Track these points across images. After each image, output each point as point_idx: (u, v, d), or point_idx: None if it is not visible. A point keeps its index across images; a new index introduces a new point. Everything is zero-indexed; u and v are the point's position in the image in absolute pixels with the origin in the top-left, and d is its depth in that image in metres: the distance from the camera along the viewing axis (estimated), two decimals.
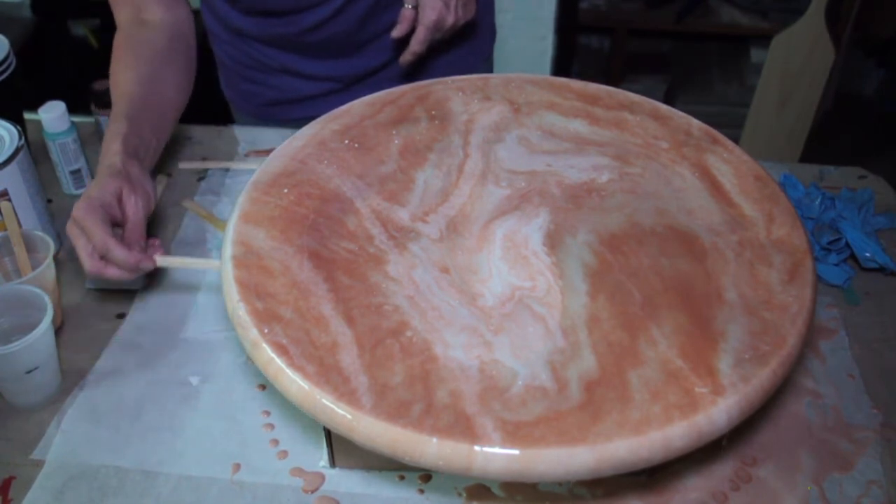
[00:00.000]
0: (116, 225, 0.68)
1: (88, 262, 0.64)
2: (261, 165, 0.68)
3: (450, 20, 0.85)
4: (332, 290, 0.57)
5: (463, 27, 0.88)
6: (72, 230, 0.65)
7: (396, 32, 0.87)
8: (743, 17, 1.95)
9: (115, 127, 0.72)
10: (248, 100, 1.04)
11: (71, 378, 0.68)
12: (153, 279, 0.78)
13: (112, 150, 0.70)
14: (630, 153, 0.71)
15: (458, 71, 0.83)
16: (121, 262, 0.64)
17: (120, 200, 0.67)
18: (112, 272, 0.65)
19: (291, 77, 0.98)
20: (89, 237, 0.64)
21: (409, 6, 0.85)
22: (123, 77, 0.79)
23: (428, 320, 0.56)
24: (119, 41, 0.85)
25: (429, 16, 0.83)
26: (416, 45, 0.86)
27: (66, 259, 0.80)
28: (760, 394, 0.51)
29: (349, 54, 0.96)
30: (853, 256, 0.79)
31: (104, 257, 0.64)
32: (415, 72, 0.97)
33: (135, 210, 0.68)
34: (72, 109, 0.84)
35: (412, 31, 0.87)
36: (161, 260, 0.67)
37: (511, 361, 0.53)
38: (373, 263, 0.60)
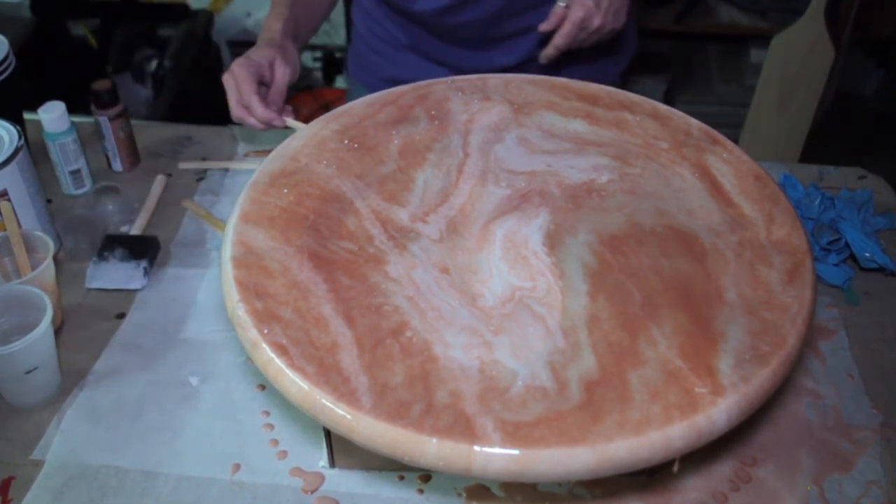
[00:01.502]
0: (264, 84, 0.82)
1: (235, 109, 0.79)
2: (261, 165, 0.68)
3: (596, 21, 0.85)
4: (332, 291, 0.57)
5: (610, 34, 0.88)
6: (227, 80, 0.80)
7: (545, 26, 0.87)
8: (742, 17, 1.95)
9: (278, 11, 0.88)
10: (369, 71, 1.08)
11: (71, 378, 0.68)
12: (153, 279, 0.78)
13: (274, 28, 0.86)
14: (630, 153, 0.71)
15: (592, 79, 0.84)
16: (258, 115, 0.79)
17: (272, 66, 0.82)
18: (251, 121, 0.80)
19: (417, 57, 1.01)
20: (239, 89, 0.79)
21: (563, 4, 0.86)
22: None
23: (428, 320, 0.56)
24: None
25: (576, 12, 0.84)
26: (559, 38, 0.86)
27: (66, 259, 0.80)
28: (760, 394, 0.51)
29: (480, 48, 0.98)
30: (853, 256, 0.79)
31: (247, 107, 0.79)
32: (550, 70, 0.98)
33: (281, 75, 0.82)
34: (72, 109, 0.84)
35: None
36: (289, 122, 0.81)
37: (511, 362, 0.53)
38: (373, 264, 0.60)
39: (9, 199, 0.73)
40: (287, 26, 0.87)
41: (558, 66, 0.97)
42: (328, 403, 0.50)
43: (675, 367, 0.52)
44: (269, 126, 0.80)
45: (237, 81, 0.79)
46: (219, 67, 1.99)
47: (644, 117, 0.75)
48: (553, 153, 0.72)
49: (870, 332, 0.73)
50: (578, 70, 1.00)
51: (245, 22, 2.15)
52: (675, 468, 0.55)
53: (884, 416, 0.65)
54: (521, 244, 0.62)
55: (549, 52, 0.88)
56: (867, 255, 0.77)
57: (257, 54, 0.82)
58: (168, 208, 0.87)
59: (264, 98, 0.80)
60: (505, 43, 0.98)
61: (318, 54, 2.16)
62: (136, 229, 0.83)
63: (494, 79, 0.79)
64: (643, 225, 0.64)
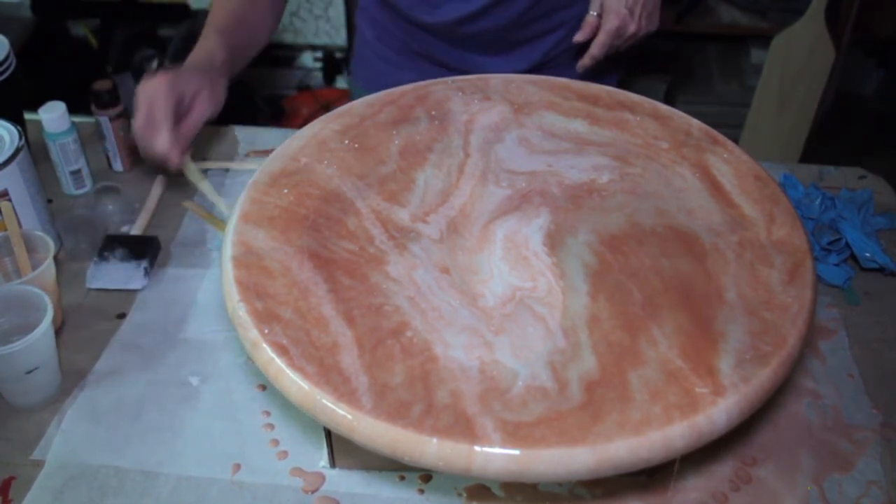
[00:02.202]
0: (179, 115, 0.75)
1: (141, 125, 0.73)
2: (261, 165, 0.68)
3: (631, 28, 0.85)
4: (333, 291, 0.57)
5: (644, 39, 0.88)
6: (144, 91, 0.73)
7: (579, 37, 0.87)
8: (743, 17, 1.95)
9: (213, 36, 0.81)
10: (376, 79, 1.04)
11: (71, 378, 0.68)
12: (153, 279, 0.78)
13: (206, 53, 0.79)
14: (630, 153, 0.71)
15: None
16: (160, 144, 0.73)
17: (195, 97, 0.75)
18: (147, 144, 0.73)
19: (429, 64, 0.99)
20: (153, 106, 0.72)
21: (594, 13, 0.85)
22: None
23: (428, 321, 0.56)
24: None
25: (612, 21, 0.84)
26: (595, 48, 0.86)
27: (66, 259, 0.80)
28: (760, 394, 0.51)
29: (493, 54, 0.97)
30: (853, 256, 0.79)
31: (154, 129, 0.72)
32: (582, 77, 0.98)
33: (201, 111, 0.76)
34: (72, 109, 0.84)
35: (591, 39, 0.87)
36: (187, 163, 0.76)
37: (511, 362, 0.53)
38: (373, 264, 0.60)
39: (9, 199, 0.73)
40: (220, 54, 0.81)
41: (595, 71, 0.98)
42: (328, 403, 0.50)
43: (676, 367, 0.52)
44: (162, 159, 0.75)
45: (155, 98, 0.73)
46: None
47: (644, 117, 0.75)
48: (553, 153, 0.72)
49: (870, 332, 0.73)
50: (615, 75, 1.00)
51: None
52: (675, 467, 0.55)
53: (884, 416, 0.65)
54: (521, 244, 0.62)
55: (585, 62, 0.88)
56: (867, 255, 0.77)
57: (186, 78, 0.75)
58: (168, 208, 0.87)
59: (174, 129, 0.74)
60: (518, 49, 0.97)
61: (319, 54, 2.16)
62: (136, 229, 0.83)
63: (495, 79, 0.79)
64: (643, 225, 0.64)
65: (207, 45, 0.80)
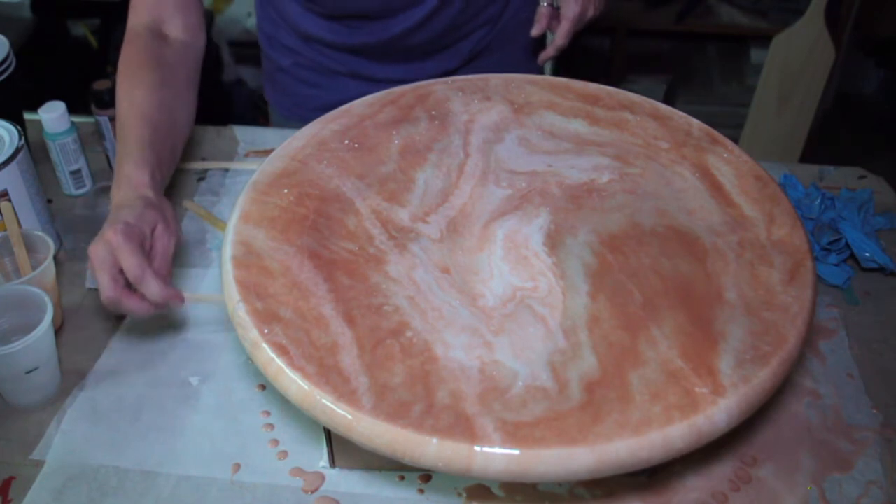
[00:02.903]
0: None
1: (110, 289, 0.60)
2: (261, 165, 0.68)
3: (590, 13, 0.85)
4: (333, 291, 0.57)
5: (594, 22, 0.88)
6: (96, 252, 0.60)
7: (536, 31, 0.87)
8: (743, 17, 1.95)
9: (140, 154, 0.68)
10: (299, 103, 1.01)
11: (71, 378, 0.68)
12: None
13: (142, 180, 0.67)
14: (630, 153, 0.71)
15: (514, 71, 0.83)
16: (153, 293, 0.61)
17: (153, 235, 0.64)
18: (132, 304, 0.61)
19: (358, 81, 0.97)
20: (123, 263, 0.60)
21: (545, 4, 0.85)
22: (145, 98, 0.73)
23: (428, 321, 0.56)
24: (135, 50, 0.78)
25: (572, 9, 0.84)
26: (560, 39, 0.86)
27: (65, 259, 0.80)
28: (761, 394, 0.51)
29: (424, 58, 0.96)
30: (853, 256, 0.79)
31: (133, 286, 0.61)
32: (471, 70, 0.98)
33: (165, 248, 0.65)
34: (72, 109, 0.84)
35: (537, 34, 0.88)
36: (189, 297, 0.65)
37: (511, 362, 0.53)
38: (373, 264, 0.60)
39: (9, 199, 0.73)
40: (155, 176, 0.68)
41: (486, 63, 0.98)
42: (328, 403, 0.50)
43: (676, 367, 0.52)
44: (162, 307, 0.63)
45: (117, 254, 0.60)
46: (219, 67, 1.99)
47: (644, 117, 0.75)
48: (553, 153, 0.72)
49: (870, 332, 0.73)
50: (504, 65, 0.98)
51: (245, 22, 2.15)
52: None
53: (884, 416, 0.65)
54: (521, 244, 0.62)
55: (548, 53, 0.88)
56: (867, 254, 0.77)
57: (137, 219, 0.63)
58: None
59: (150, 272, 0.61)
60: (446, 51, 0.96)
61: None
62: None
63: (495, 79, 0.79)
64: (644, 225, 0.64)
65: (139, 172, 0.67)
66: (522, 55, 1.01)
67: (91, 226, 0.82)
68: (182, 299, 0.63)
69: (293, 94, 1.02)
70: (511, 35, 0.99)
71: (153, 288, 0.60)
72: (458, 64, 0.97)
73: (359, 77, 0.97)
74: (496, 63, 0.98)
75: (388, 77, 0.95)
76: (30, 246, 0.71)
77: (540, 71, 1.02)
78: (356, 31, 0.90)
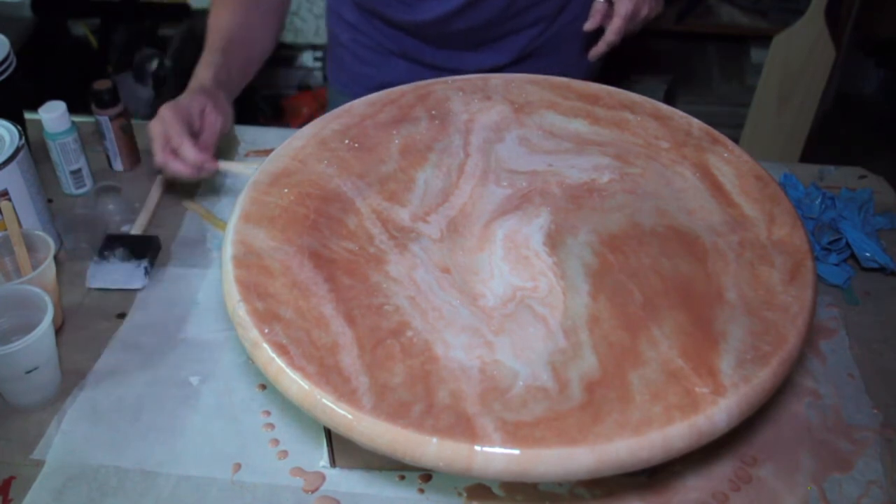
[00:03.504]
0: (194, 135, 0.78)
1: (160, 154, 0.75)
2: (261, 165, 0.68)
3: (644, 11, 0.85)
4: (333, 291, 0.57)
5: (653, 20, 0.88)
6: (154, 126, 0.76)
7: (589, 26, 0.87)
8: (743, 17, 1.95)
9: (210, 58, 0.84)
10: (355, 80, 1.05)
11: (71, 378, 0.68)
12: (154, 279, 0.78)
13: (204, 76, 0.82)
14: (631, 153, 0.71)
15: (567, 71, 0.85)
16: (189, 157, 0.75)
17: (202, 114, 0.78)
18: (177, 166, 0.76)
19: (409, 63, 1.00)
20: (167, 132, 0.75)
21: (602, 0, 0.85)
22: (225, 17, 0.88)
23: (429, 321, 0.56)
24: None
25: (625, 6, 0.84)
26: (611, 35, 0.86)
27: (66, 259, 0.80)
28: (761, 394, 0.51)
29: (474, 49, 0.98)
30: (853, 256, 0.79)
31: (175, 152, 0.75)
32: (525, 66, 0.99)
33: (212, 124, 0.79)
34: (72, 109, 0.84)
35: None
36: (223, 164, 0.78)
37: (512, 362, 0.53)
38: (373, 263, 0.60)
39: (9, 199, 0.73)
40: (219, 74, 0.83)
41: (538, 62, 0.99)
42: (329, 403, 0.50)
43: (677, 367, 0.52)
44: (198, 172, 0.77)
45: (165, 126, 0.75)
46: None
47: (645, 117, 0.75)
48: (554, 153, 0.72)
49: (870, 332, 0.73)
50: (562, 63, 1.01)
51: None
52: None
53: (884, 416, 0.65)
54: (521, 244, 0.62)
55: (599, 48, 0.88)
56: (868, 254, 0.77)
57: (187, 100, 0.78)
58: (168, 208, 0.87)
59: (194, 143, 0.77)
60: (499, 43, 0.98)
61: (319, 54, 2.16)
62: (136, 229, 0.83)
63: (495, 78, 0.79)
64: (644, 225, 0.64)
65: (204, 70, 0.83)
66: (579, 58, 1.02)
67: (91, 225, 0.82)
68: (215, 165, 0.78)
69: (349, 71, 1.06)
70: (568, 37, 1.00)
71: (188, 153, 0.75)
72: (507, 60, 0.99)
73: (410, 59, 1.00)
74: (550, 63, 0.99)
75: (436, 63, 0.99)
76: (30, 246, 0.71)
77: (590, 67, 1.04)
78: (407, 8, 0.93)
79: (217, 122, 0.79)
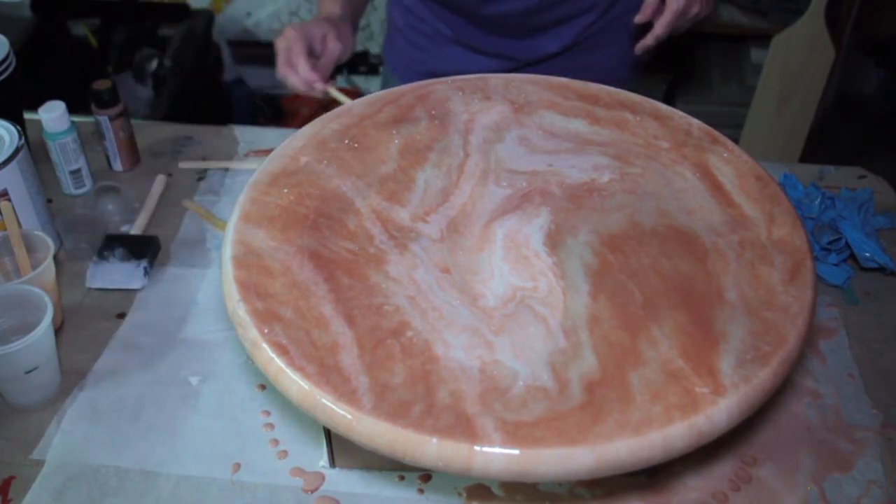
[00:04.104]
0: (314, 56, 0.87)
1: (281, 66, 0.85)
2: (261, 165, 0.68)
3: (695, 9, 0.86)
4: (333, 291, 0.57)
5: (703, 20, 0.89)
6: (279, 42, 0.86)
7: (639, 18, 0.88)
8: (743, 17, 1.95)
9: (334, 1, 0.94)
10: (409, 66, 1.09)
11: (71, 378, 0.68)
12: (153, 279, 0.78)
13: (332, 8, 0.93)
14: (631, 153, 0.71)
15: (607, 75, 0.88)
16: (302, 73, 0.85)
17: (324, 39, 0.87)
18: (293, 80, 0.86)
19: (462, 49, 1.03)
20: (289, 49, 0.84)
21: None
22: None
23: (429, 321, 0.56)
24: None
25: (678, 1, 0.84)
26: (660, 28, 0.87)
27: (66, 259, 0.80)
28: (761, 394, 0.51)
29: (525, 36, 1.00)
30: (853, 256, 0.79)
31: (294, 68, 0.85)
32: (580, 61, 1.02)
33: (331, 51, 0.87)
34: (72, 109, 0.84)
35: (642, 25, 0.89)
36: (332, 91, 0.87)
37: (512, 362, 0.53)
38: (373, 263, 0.60)
39: (9, 199, 0.73)
40: (345, 10, 0.93)
41: (575, 59, 1.01)
42: (328, 403, 0.50)
43: (677, 367, 0.52)
44: (310, 88, 0.85)
45: (288, 42, 0.84)
46: (219, 67, 1.99)
47: (644, 117, 0.75)
48: (554, 153, 0.72)
49: (870, 332, 0.73)
50: (600, 63, 1.03)
51: (245, 22, 2.15)
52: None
53: (884, 416, 0.65)
54: (521, 244, 0.62)
55: (647, 41, 0.89)
56: (867, 254, 0.77)
57: (311, 25, 0.87)
58: (168, 208, 0.87)
59: (312, 64, 0.85)
60: (549, 31, 0.99)
61: None
62: (136, 229, 0.83)
63: (495, 78, 0.79)
64: (644, 225, 0.64)
65: (324, 7, 0.94)
66: (628, 52, 1.03)
67: (91, 226, 0.82)
68: (324, 86, 0.86)
69: (404, 56, 1.10)
70: (619, 29, 1.02)
71: (303, 70, 0.85)
72: (559, 48, 1.01)
73: (463, 45, 1.03)
74: (600, 54, 1.02)
75: (489, 49, 1.02)
76: (30, 246, 0.71)
77: (637, 62, 1.07)
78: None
79: (336, 50, 0.87)
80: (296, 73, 0.84)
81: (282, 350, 0.52)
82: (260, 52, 2.17)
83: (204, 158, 0.94)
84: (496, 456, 0.47)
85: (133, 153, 0.92)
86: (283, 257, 0.59)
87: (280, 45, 0.86)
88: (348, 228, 0.63)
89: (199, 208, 0.86)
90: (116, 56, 1.84)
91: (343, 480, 0.61)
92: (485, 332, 0.55)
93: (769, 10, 1.94)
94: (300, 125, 0.76)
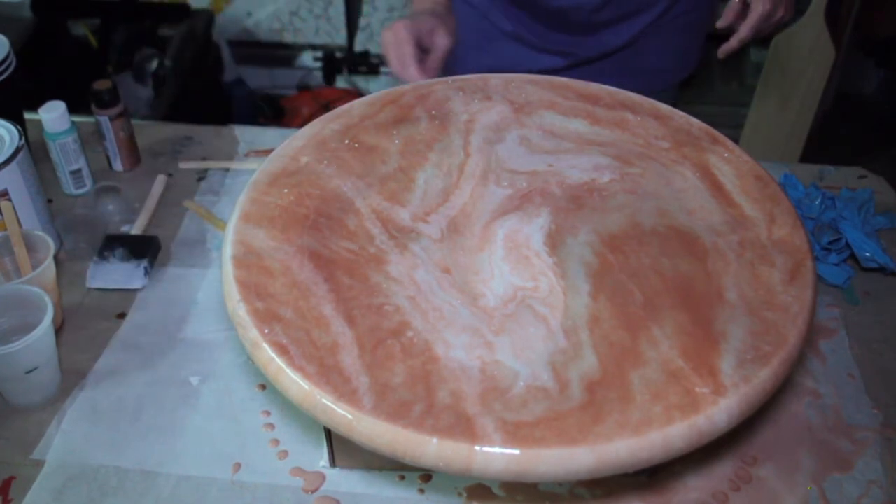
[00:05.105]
0: (423, 50, 0.85)
1: (396, 65, 0.84)
2: (261, 165, 0.68)
3: (780, 13, 0.87)
4: (333, 291, 0.57)
5: (784, 24, 0.90)
6: (388, 37, 0.85)
7: (722, 23, 0.88)
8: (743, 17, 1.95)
9: None
10: (461, 66, 1.08)
11: (71, 378, 0.68)
12: (154, 279, 0.78)
13: (434, 1, 0.91)
14: (631, 153, 0.71)
15: (651, 85, 0.90)
16: (412, 77, 0.83)
17: (432, 33, 0.86)
18: (404, 74, 0.84)
19: (519, 45, 1.03)
20: (399, 48, 0.83)
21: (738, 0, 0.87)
22: None
23: (429, 321, 0.56)
24: None
25: (763, 5, 0.85)
26: (745, 30, 0.87)
27: (66, 259, 0.80)
28: (761, 394, 0.51)
29: (587, 32, 1.00)
30: (853, 256, 0.79)
31: (405, 68, 0.84)
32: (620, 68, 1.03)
33: (440, 44, 0.86)
34: (72, 109, 0.84)
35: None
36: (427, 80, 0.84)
37: (512, 362, 0.53)
38: (373, 263, 0.60)
39: (9, 199, 0.73)
40: (447, 1, 0.92)
41: (620, 67, 1.02)
42: (329, 403, 0.50)
43: (677, 367, 0.52)
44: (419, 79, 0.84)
45: (398, 41, 0.84)
46: (219, 67, 1.99)
47: (645, 117, 0.75)
48: (554, 153, 0.72)
49: (870, 332, 0.73)
50: (643, 71, 1.04)
51: (245, 22, 2.15)
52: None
53: (884, 416, 0.65)
54: (522, 244, 0.62)
55: (732, 44, 0.89)
56: (868, 254, 0.77)
57: (420, 21, 0.85)
58: (168, 208, 0.87)
59: (422, 62, 0.84)
60: (612, 27, 1.00)
61: (319, 54, 2.16)
62: (136, 229, 0.83)
63: (495, 78, 0.79)
64: (644, 225, 0.64)
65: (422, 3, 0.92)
66: (685, 52, 1.06)
67: (91, 226, 0.82)
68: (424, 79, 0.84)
69: (455, 56, 1.09)
70: (678, 29, 1.03)
71: (411, 72, 0.83)
72: (623, 42, 1.01)
73: (520, 40, 1.03)
74: (660, 52, 1.03)
75: (547, 46, 1.02)
76: (30, 246, 0.71)
77: (691, 62, 1.09)
78: None
79: (444, 44, 0.86)
80: (406, 72, 0.84)
81: (282, 350, 0.52)
82: (260, 52, 2.17)
83: (204, 158, 0.94)
84: (496, 456, 0.47)
85: (133, 153, 0.92)
86: (283, 257, 0.59)
87: (388, 41, 0.85)
88: (348, 228, 0.63)
89: (200, 208, 0.86)
90: (116, 56, 1.84)
91: (343, 480, 0.61)
92: (485, 332, 0.55)
93: None
94: (300, 125, 0.76)
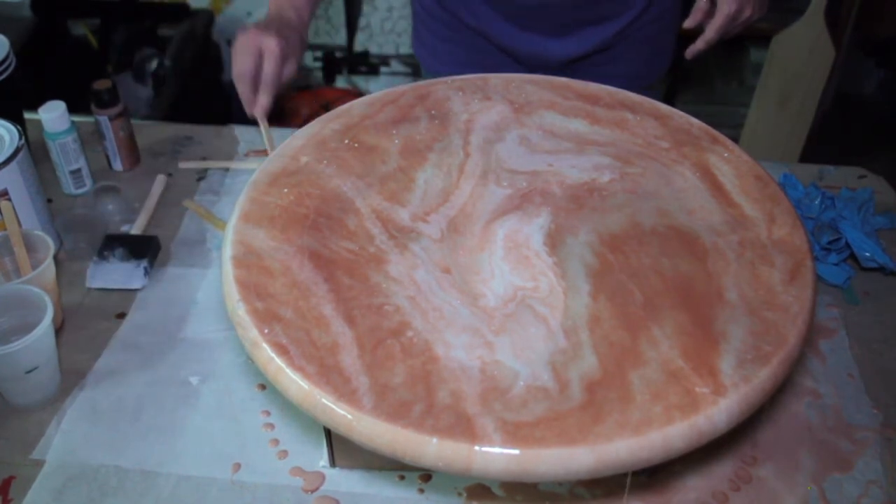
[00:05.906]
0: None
1: (248, 78, 0.82)
2: (261, 165, 0.68)
3: (747, 12, 0.85)
4: (333, 291, 0.57)
5: (748, 23, 0.88)
6: (253, 41, 0.81)
7: (689, 23, 0.87)
8: None
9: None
10: (431, 54, 1.07)
11: (71, 378, 0.68)
12: (153, 279, 0.78)
13: (305, 9, 0.87)
14: (631, 153, 0.71)
15: (634, 82, 0.88)
16: (259, 105, 0.84)
17: (285, 60, 0.84)
18: (247, 100, 0.85)
19: (483, 42, 1.01)
20: (264, 65, 0.82)
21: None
22: None
23: (429, 321, 0.56)
24: None
25: (730, 6, 0.83)
26: (711, 32, 0.85)
27: (66, 259, 0.80)
28: (761, 394, 0.51)
29: (551, 35, 0.98)
30: (853, 256, 0.79)
31: (254, 85, 0.83)
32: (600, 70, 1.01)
33: (289, 75, 0.85)
34: (72, 109, 0.84)
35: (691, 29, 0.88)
36: (262, 124, 0.87)
37: (512, 362, 0.53)
38: (373, 263, 0.60)
39: (9, 199, 0.73)
40: (315, 6, 0.89)
41: (600, 66, 1.00)
42: (328, 403, 0.50)
43: (677, 367, 0.52)
44: (248, 108, 0.85)
45: (266, 56, 0.81)
46: (219, 67, 1.99)
47: (644, 117, 0.75)
48: (554, 153, 0.72)
49: (870, 332, 0.73)
50: (623, 69, 1.02)
51: (245, 21, 2.15)
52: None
53: (884, 416, 0.65)
54: (522, 244, 0.62)
55: (698, 46, 0.88)
56: (867, 254, 0.77)
57: (287, 37, 0.83)
58: (168, 208, 0.87)
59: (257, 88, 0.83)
60: (577, 32, 0.97)
61: (319, 54, 2.16)
62: (136, 229, 0.83)
63: (495, 78, 0.79)
64: (644, 225, 0.64)
65: (289, 7, 0.88)
66: (651, 59, 1.03)
67: (91, 226, 0.82)
68: (259, 116, 0.87)
69: (426, 45, 1.08)
70: (644, 37, 1.01)
71: (262, 100, 0.84)
72: (583, 52, 0.98)
73: (485, 36, 1.00)
74: (625, 60, 1.00)
75: (510, 45, 0.99)
76: (30, 246, 0.71)
77: (661, 70, 1.06)
78: None
79: (290, 76, 0.86)
80: (255, 98, 0.83)
81: (282, 350, 0.52)
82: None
83: (204, 158, 0.94)
84: (496, 456, 0.47)
85: (133, 153, 0.92)
86: (283, 257, 0.59)
87: (251, 48, 0.81)
88: (348, 228, 0.63)
89: (200, 208, 0.86)
90: (116, 56, 1.84)
91: (343, 480, 0.61)
92: (485, 332, 0.55)
93: (769, 10, 1.94)
94: (300, 125, 0.76)
